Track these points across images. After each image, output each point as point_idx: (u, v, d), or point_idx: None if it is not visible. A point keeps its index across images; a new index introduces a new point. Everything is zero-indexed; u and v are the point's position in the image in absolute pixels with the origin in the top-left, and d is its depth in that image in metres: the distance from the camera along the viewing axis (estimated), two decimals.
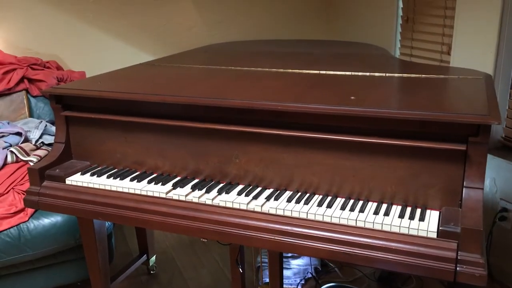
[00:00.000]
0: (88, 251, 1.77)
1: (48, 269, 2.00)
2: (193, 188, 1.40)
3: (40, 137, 2.21)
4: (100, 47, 2.89)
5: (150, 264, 2.29)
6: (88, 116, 1.55)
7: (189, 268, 2.35)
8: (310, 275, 2.23)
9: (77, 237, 1.95)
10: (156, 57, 2.91)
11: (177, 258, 2.44)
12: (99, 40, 2.88)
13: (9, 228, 1.86)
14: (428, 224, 1.15)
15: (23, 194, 1.96)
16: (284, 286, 2.02)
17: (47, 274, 2.00)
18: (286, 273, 2.20)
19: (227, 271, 2.31)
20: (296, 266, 2.25)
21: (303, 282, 2.20)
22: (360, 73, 1.70)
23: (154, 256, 2.31)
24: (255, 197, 1.33)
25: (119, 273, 2.06)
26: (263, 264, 2.19)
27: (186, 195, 1.36)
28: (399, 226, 1.15)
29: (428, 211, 1.21)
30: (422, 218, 1.17)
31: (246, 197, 1.33)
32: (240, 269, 1.68)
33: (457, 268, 1.08)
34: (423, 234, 1.13)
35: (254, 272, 2.22)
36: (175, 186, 1.42)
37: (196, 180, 1.45)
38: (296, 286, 2.17)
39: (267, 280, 2.05)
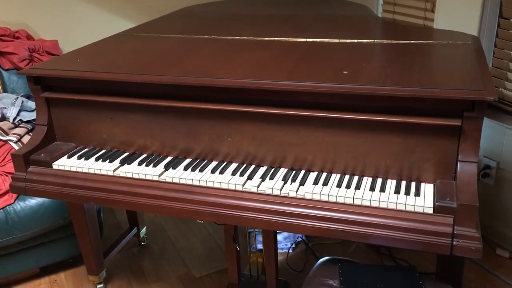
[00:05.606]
0: (79, 231, 1.76)
1: (38, 248, 1.98)
2: (186, 169, 1.38)
3: (18, 114, 2.12)
4: (70, 12, 2.73)
5: (141, 236, 2.29)
6: (70, 98, 1.49)
7: (180, 237, 2.37)
8: (300, 239, 2.27)
9: (66, 216, 1.92)
10: (130, 20, 2.79)
11: (167, 228, 2.44)
12: (68, 5, 2.72)
13: None
14: (424, 199, 1.16)
15: (6, 175, 1.91)
16: None
17: (38, 254, 1.99)
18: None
19: (217, 238, 2.34)
20: None
21: (294, 245, 2.24)
22: (348, 40, 1.67)
23: (144, 227, 2.31)
24: (250, 177, 1.31)
25: (110, 248, 2.06)
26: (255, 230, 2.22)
27: (180, 177, 1.34)
28: (396, 203, 1.16)
29: (422, 185, 1.22)
30: (417, 193, 1.18)
31: (241, 177, 1.32)
32: (237, 247, 1.69)
33: (454, 242, 1.10)
34: (420, 210, 1.14)
35: (246, 238, 2.25)
36: (167, 168, 1.40)
37: (187, 160, 1.43)
38: (287, 250, 2.21)
39: (260, 246, 2.08)
